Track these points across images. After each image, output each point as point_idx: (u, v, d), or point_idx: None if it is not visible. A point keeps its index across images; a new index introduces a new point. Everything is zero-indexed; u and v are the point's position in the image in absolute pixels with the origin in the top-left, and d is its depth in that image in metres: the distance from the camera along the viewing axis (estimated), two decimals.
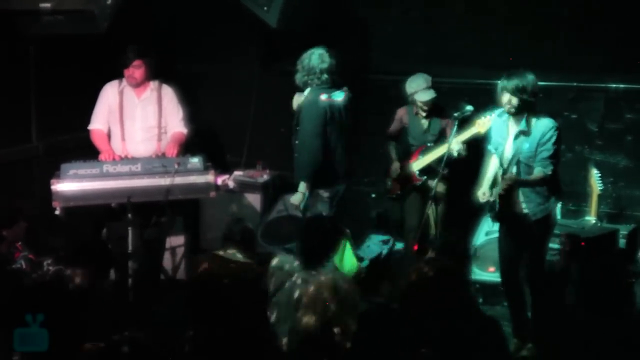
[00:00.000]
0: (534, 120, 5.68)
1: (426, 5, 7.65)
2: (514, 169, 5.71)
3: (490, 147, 6.02)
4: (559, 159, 5.74)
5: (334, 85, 6.61)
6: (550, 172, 5.65)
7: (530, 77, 5.61)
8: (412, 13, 7.72)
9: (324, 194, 6.72)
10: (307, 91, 6.62)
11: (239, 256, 5.40)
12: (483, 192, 5.88)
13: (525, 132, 5.67)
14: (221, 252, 5.45)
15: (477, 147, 6.47)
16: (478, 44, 7.41)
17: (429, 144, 6.86)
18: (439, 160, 6.61)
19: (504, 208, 5.80)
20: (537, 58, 7.18)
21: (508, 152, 5.79)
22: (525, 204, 5.77)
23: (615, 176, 7.21)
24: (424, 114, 6.84)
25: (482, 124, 6.31)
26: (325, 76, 6.55)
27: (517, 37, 7.26)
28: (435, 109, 6.82)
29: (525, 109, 5.64)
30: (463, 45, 7.48)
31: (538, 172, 5.65)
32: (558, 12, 7.10)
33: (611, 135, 7.24)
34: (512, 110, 5.67)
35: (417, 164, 6.88)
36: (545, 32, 7.19)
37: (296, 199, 6.73)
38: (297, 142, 6.70)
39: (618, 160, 7.22)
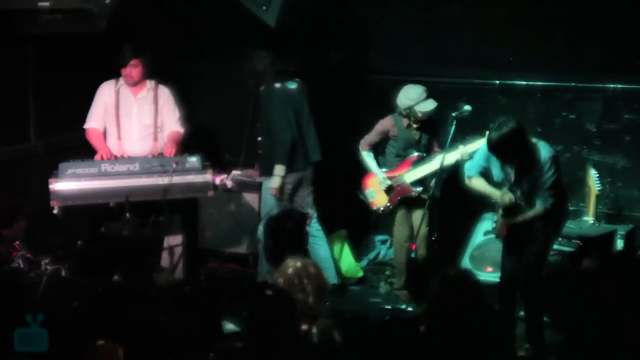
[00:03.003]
0: (532, 152, 5.64)
1: (425, 5, 7.64)
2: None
3: (472, 171, 5.99)
4: (561, 187, 5.73)
5: (286, 78, 6.89)
6: (550, 206, 5.64)
7: (501, 135, 5.46)
8: (410, 13, 7.70)
9: (288, 179, 6.86)
10: (264, 85, 6.86)
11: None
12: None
13: (524, 165, 5.64)
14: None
15: None
16: (476, 44, 7.40)
17: (419, 154, 6.76)
18: (435, 172, 6.57)
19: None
20: (535, 58, 7.20)
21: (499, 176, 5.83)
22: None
23: (613, 176, 7.20)
24: (415, 126, 6.72)
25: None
26: (272, 69, 6.84)
27: (515, 37, 7.26)
28: (427, 120, 6.73)
29: (518, 158, 5.63)
30: (461, 45, 7.47)
31: (539, 205, 5.65)
32: (556, 12, 7.09)
33: (609, 135, 7.23)
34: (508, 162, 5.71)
35: (410, 176, 6.74)
36: (543, 32, 7.18)
37: (275, 182, 6.79)
38: (259, 138, 6.98)
39: (616, 161, 7.21)
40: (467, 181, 6.03)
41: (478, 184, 5.98)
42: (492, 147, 5.56)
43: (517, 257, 5.91)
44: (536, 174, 5.60)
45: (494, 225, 6.06)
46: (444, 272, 4.34)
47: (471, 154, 6.43)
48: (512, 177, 5.71)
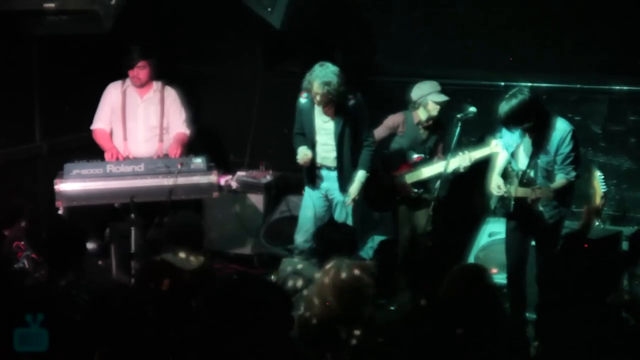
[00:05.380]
0: (549, 126, 5.70)
1: (429, 7, 7.64)
2: (532, 173, 5.74)
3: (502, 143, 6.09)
4: (580, 162, 5.81)
5: None
6: (573, 178, 5.71)
7: (515, 103, 5.54)
8: (415, 14, 7.70)
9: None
10: (354, 97, 6.46)
11: (192, 259, 5.00)
12: (498, 185, 5.90)
13: (541, 139, 5.71)
14: (170, 258, 5.04)
15: None
16: (481, 46, 7.39)
17: (422, 156, 6.76)
18: (437, 176, 6.58)
19: (519, 206, 5.82)
20: (540, 60, 7.19)
21: (523, 156, 5.82)
22: (543, 207, 5.78)
23: (619, 178, 7.20)
24: (426, 124, 6.72)
25: (497, 145, 6.27)
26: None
27: (520, 39, 7.25)
28: (435, 123, 6.73)
29: (532, 128, 5.64)
30: (466, 46, 7.47)
31: (561, 178, 5.69)
32: (562, 14, 7.08)
33: (614, 137, 7.23)
34: (523, 132, 5.73)
35: (411, 177, 6.75)
36: (548, 34, 7.18)
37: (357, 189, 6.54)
38: (337, 142, 6.50)
39: (621, 162, 7.20)
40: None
41: (499, 158, 6.07)
42: (502, 117, 5.60)
43: (523, 239, 5.96)
44: (555, 148, 5.65)
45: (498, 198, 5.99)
46: (458, 266, 4.37)
47: (475, 161, 6.44)
48: (531, 151, 5.75)
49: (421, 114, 6.71)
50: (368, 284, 4.37)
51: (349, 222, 6.56)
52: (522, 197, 5.76)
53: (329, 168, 6.60)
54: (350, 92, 6.39)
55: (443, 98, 6.60)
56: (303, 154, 6.52)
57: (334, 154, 6.53)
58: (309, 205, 6.73)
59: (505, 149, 5.98)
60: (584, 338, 4.55)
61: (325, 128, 6.51)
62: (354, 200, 6.51)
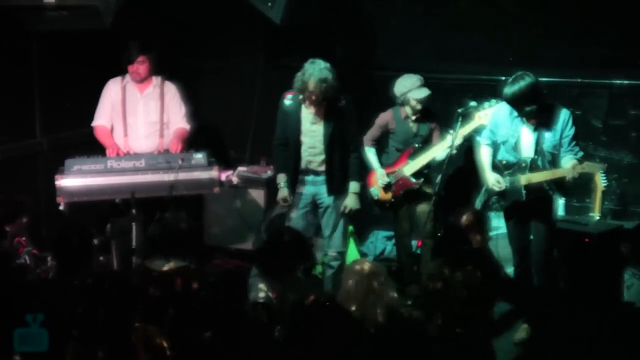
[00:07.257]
0: (551, 111, 5.76)
1: (430, 1, 7.64)
2: (539, 160, 5.79)
3: (483, 138, 6.10)
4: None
5: None
6: (580, 157, 5.77)
7: (523, 84, 5.60)
8: (416, 9, 7.70)
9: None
10: (344, 98, 6.37)
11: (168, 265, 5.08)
12: (497, 181, 5.92)
13: (545, 124, 5.74)
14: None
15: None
16: (482, 40, 7.39)
17: (416, 145, 6.72)
18: (435, 161, 6.59)
19: (530, 192, 5.86)
20: (541, 54, 7.18)
21: (527, 144, 5.85)
22: (550, 190, 5.87)
23: (619, 172, 7.19)
24: (413, 117, 6.68)
25: (483, 116, 6.27)
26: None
27: (521, 33, 7.25)
28: (424, 113, 6.69)
29: (535, 112, 5.67)
30: (467, 41, 7.47)
31: (570, 159, 5.73)
32: (562, 8, 7.08)
33: (615, 131, 7.23)
34: (524, 116, 5.76)
35: (409, 168, 6.70)
36: (549, 28, 7.18)
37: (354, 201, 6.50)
38: (326, 145, 6.38)
39: (622, 157, 7.20)
40: (476, 148, 6.17)
41: (484, 154, 6.09)
42: (509, 98, 5.67)
43: (526, 225, 6.02)
44: (560, 131, 5.73)
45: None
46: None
47: (466, 137, 6.41)
48: (535, 136, 5.79)
49: (407, 110, 6.70)
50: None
51: (339, 229, 6.54)
52: (541, 181, 5.82)
53: (315, 172, 6.49)
54: (342, 92, 6.30)
55: (424, 94, 6.56)
56: (283, 197, 6.53)
57: (321, 157, 6.43)
58: (298, 216, 6.60)
59: (504, 141, 5.98)
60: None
61: (313, 130, 6.40)
62: (351, 209, 6.47)
